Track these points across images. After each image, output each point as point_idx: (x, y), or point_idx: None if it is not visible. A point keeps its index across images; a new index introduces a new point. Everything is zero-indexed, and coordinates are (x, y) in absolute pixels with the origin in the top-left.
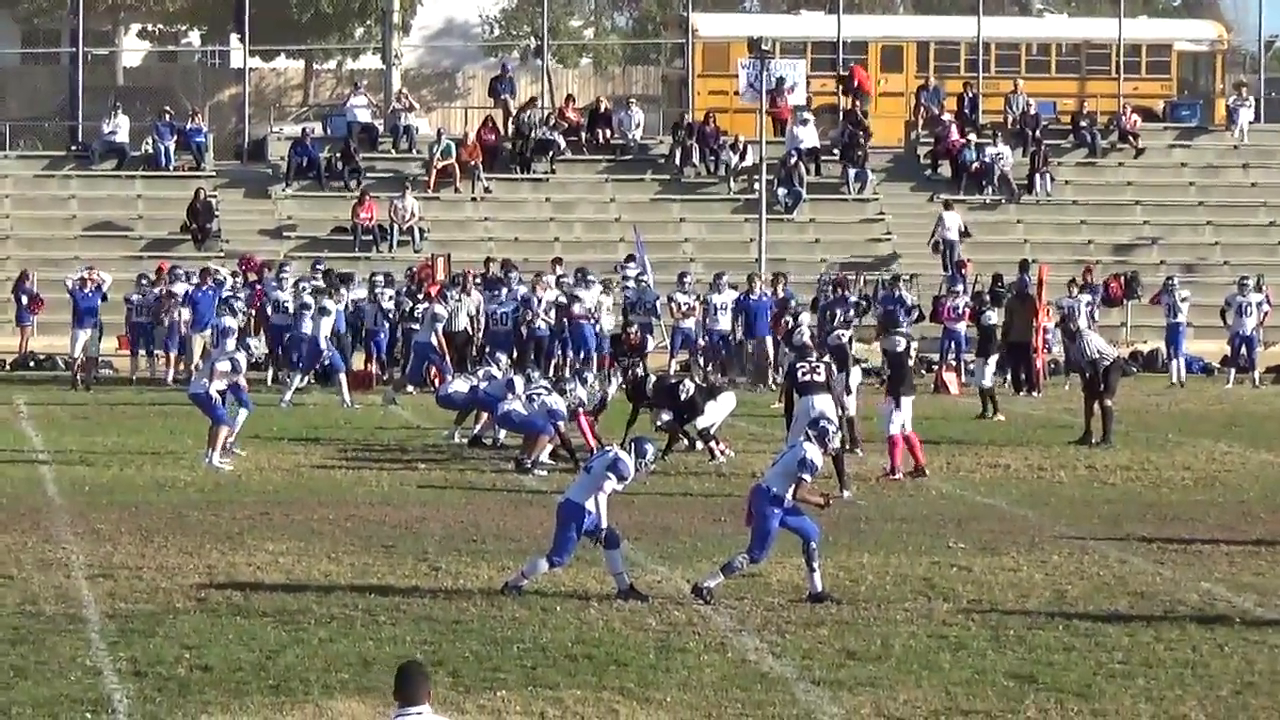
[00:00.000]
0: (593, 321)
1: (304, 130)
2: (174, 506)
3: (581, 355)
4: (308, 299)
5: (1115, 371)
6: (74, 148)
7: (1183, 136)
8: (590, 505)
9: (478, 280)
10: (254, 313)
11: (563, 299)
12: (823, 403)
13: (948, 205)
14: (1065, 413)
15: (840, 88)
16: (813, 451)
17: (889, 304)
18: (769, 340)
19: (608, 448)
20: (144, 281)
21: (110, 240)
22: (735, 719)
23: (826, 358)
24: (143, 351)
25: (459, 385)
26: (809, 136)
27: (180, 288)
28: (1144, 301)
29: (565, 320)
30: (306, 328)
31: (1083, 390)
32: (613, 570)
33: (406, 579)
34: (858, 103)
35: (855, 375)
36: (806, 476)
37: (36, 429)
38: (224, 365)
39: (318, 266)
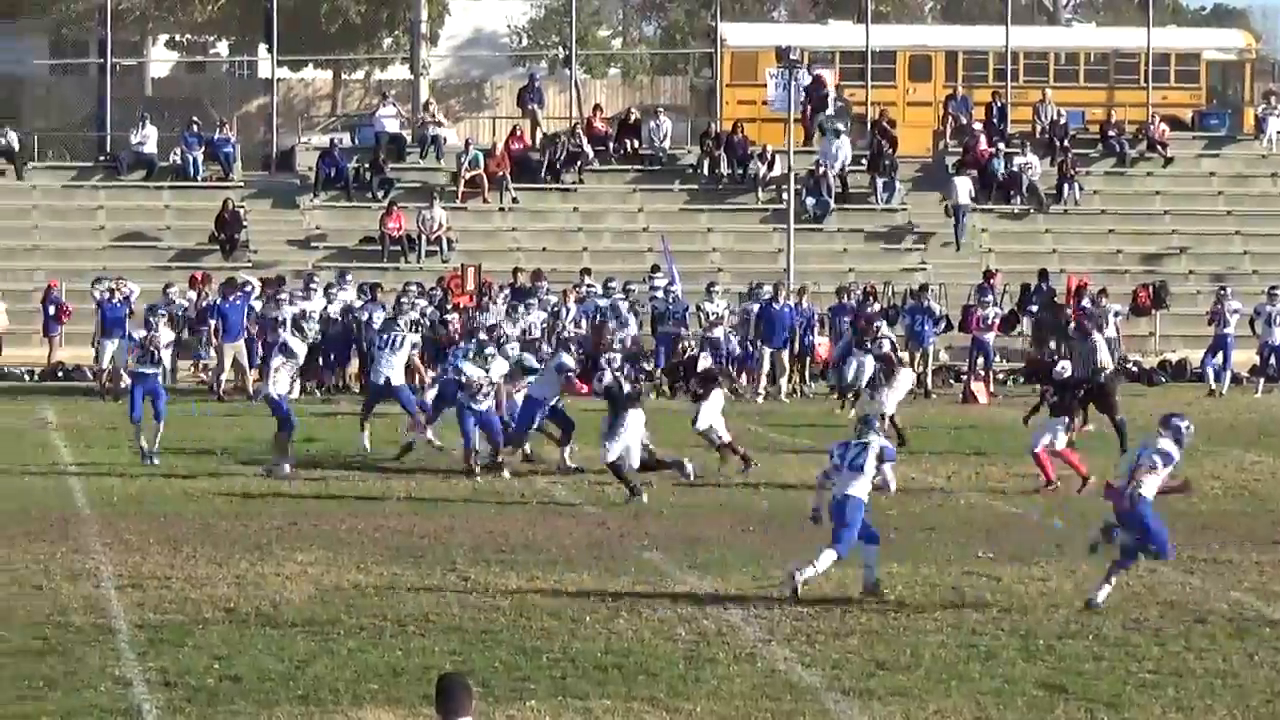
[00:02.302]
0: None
1: (332, 140)
2: (202, 516)
3: None
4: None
5: (1113, 383)
6: (102, 159)
7: (1211, 146)
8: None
9: (505, 291)
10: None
11: (593, 306)
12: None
13: (958, 170)
14: (1092, 420)
15: (807, 96)
16: (1168, 445)
17: (917, 314)
18: (784, 353)
19: (868, 438)
20: (169, 290)
21: (138, 251)
22: None
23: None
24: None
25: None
26: (844, 153)
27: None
28: (1172, 311)
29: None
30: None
31: (1079, 402)
32: (867, 561)
33: (435, 589)
34: (820, 110)
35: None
36: (1160, 462)
37: (64, 440)
38: (277, 361)
39: (314, 280)
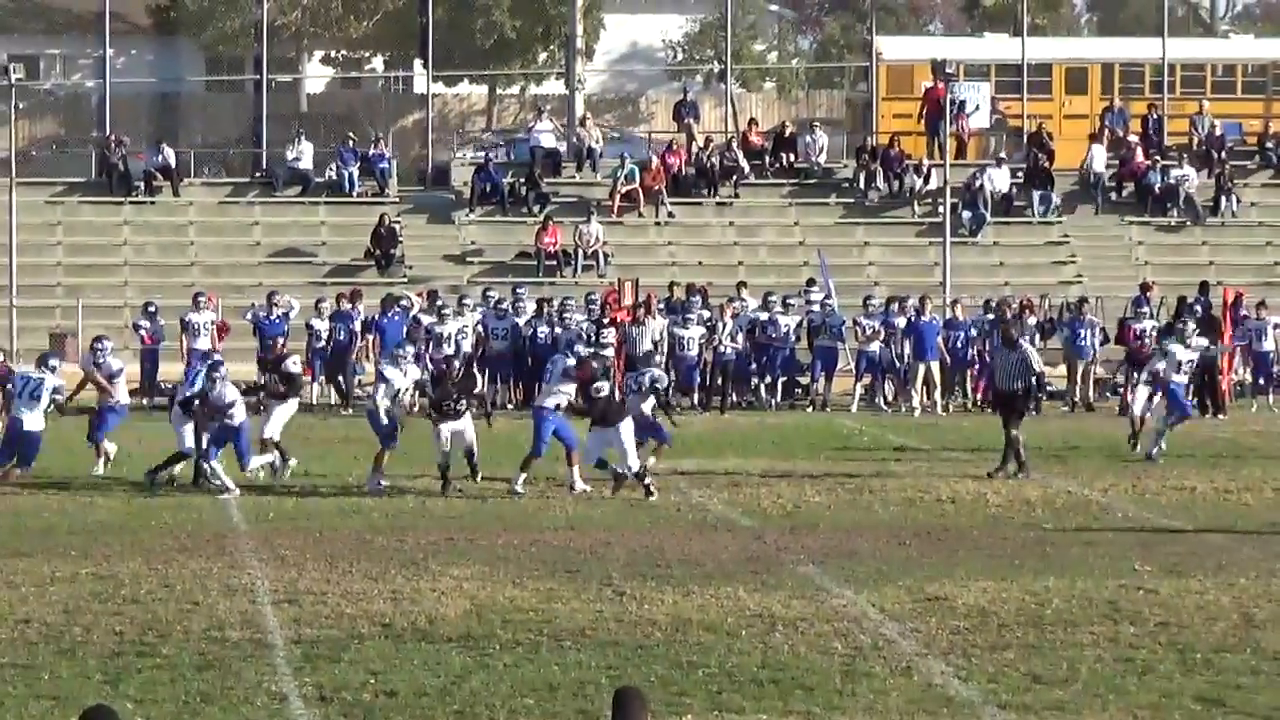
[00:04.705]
0: (787, 346)
1: (487, 156)
2: (358, 531)
3: (768, 380)
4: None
5: (1031, 397)
6: (258, 175)
7: None
8: None
9: (661, 305)
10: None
11: (752, 319)
12: None
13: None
14: (1252, 434)
15: (923, 109)
16: None
17: (1077, 327)
18: (935, 365)
19: None
20: (322, 306)
21: (294, 266)
22: None
23: None
24: (324, 378)
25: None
26: (1001, 180)
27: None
28: None
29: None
30: None
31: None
32: None
33: (591, 604)
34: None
35: None
36: None
37: (220, 457)
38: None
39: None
